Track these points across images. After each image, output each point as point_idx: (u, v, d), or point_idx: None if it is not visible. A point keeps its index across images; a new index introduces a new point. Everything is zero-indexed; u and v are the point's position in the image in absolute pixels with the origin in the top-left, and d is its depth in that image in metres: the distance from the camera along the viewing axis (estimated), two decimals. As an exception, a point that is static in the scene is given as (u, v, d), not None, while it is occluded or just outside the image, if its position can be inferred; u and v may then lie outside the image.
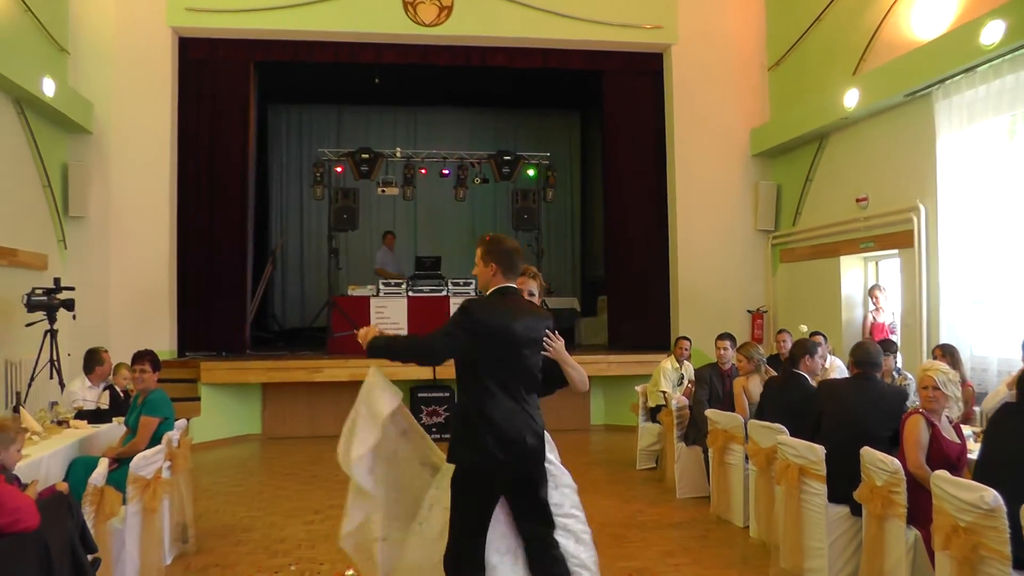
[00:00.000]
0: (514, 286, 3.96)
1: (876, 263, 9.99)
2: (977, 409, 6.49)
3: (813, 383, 6.19)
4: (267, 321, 14.89)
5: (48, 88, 8.98)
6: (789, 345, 7.56)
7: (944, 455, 4.55)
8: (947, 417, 4.83)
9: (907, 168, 8.67)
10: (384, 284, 11.87)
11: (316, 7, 10.93)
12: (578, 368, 4.13)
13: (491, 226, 16.43)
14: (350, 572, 5.40)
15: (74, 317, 8.65)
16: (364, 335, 3.94)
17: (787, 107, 11.20)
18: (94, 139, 10.51)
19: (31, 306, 8.10)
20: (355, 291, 11.89)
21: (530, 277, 4.21)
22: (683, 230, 11.70)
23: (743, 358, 7.06)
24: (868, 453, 4.71)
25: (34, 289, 8.21)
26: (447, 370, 4.01)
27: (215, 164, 11.24)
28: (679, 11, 11.65)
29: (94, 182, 10.41)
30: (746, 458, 6.39)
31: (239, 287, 11.34)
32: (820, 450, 5.08)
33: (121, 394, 7.11)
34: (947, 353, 6.60)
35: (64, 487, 4.54)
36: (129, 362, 6.15)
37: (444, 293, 11.67)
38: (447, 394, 10.51)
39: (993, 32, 6.96)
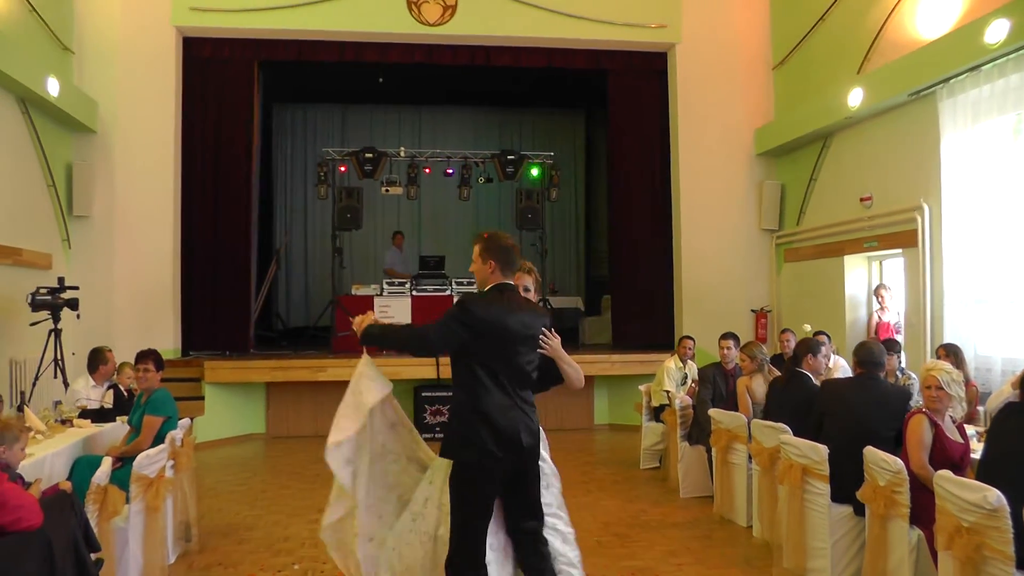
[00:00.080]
0: (511, 283, 3.96)
1: (880, 262, 9.97)
2: (981, 409, 6.48)
3: (817, 382, 6.17)
4: (271, 320, 14.90)
5: (52, 88, 9.00)
6: (793, 345, 7.55)
7: (947, 455, 4.54)
8: (951, 417, 4.83)
9: (911, 167, 8.65)
10: (388, 283, 11.89)
11: (320, 6, 10.94)
12: (575, 366, 4.12)
13: (495, 225, 16.41)
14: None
15: (78, 316, 8.68)
16: (360, 322, 3.91)
17: (791, 106, 11.19)
18: (98, 138, 10.53)
19: (35, 305, 8.12)
20: (359, 290, 11.94)
21: (525, 272, 4.20)
22: (687, 229, 11.69)
23: (746, 357, 7.05)
24: (871, 453, 4.70)
25: (38, 288, 8.23)
26: (451, 370, 3.99)
27: (219, 163, 11.26)
28: (683, 10, 11.64)
29: (98, 181, 10.44)
30: (749, 458, 6.39)
31: (243, 286, 11.35)
32: (823, 450, 5.08)
33: (125, 393, 7.13)
34: (951, 353, 6.58)
35: (67, 486, 4.55)
36: (133, 361, 6.16)
37: (448, 292, 11.69)
38: (451, 393, 10.49)
39: (997, 31, 6.94)
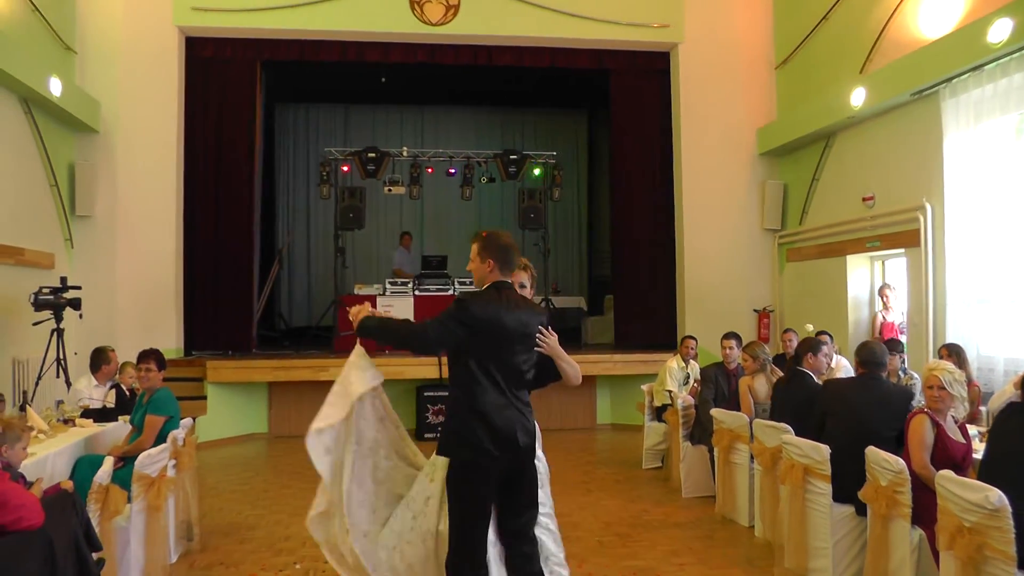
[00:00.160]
0: (509, 281, 3.95)
1: (882, 262, 9.96)
2: (983, 409, 6.46)
3: (819, 381, 6.18)
4: (273, 320, 14.90)
5: (55, 87, 9.01)
6: (795, 344, 7.55)
7: (949, 455, 4.54)
8: (953, 417, 4.82)
9: (914, 167, 8.64)
10: (391, 283, 11.91)
11: (323, 6, 10.94)
12: (572, 363, 4.11)
13: (498, 225, 16.35)
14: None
15: (81, 316, 8.69)
16: (356, 313, 3.87)
17: (794, 106, 11.18)
18: (101, 138, 10.55)
19: (38, 305, 8.13)
20: (362, 290, 11.95)
21: (521, 269, 4.19)
22: (689, 229, 11.68)
23: (749, 357, 7.05)
24: (873, 453, 4.70)
25: (41, 288, 8.24)
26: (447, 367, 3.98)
27: (222, 163, 11.26)
28: (686, 10, 11.64)
29: (101, 181, 10.45)
30: (751, 457, 6.38)
31: (245, 286, 11.36)
32: (825, 450, 5.07)
33: (127, 393, 7.13)
34: (953, 353, 6.57)
35: (69, 485, 4.55)
36: (135, 361, 6.16)
37: (450, 292, 11.72)
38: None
39: (1000, 30, 6.93)
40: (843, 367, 7.74)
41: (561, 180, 13.71)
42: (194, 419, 6.86)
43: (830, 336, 7.77)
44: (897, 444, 4.91)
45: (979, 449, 4.74)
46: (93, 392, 7.10)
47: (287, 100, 16.20)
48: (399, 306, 11.50)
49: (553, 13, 11.28)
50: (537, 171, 13.70)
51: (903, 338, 8.78)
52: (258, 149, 11.72)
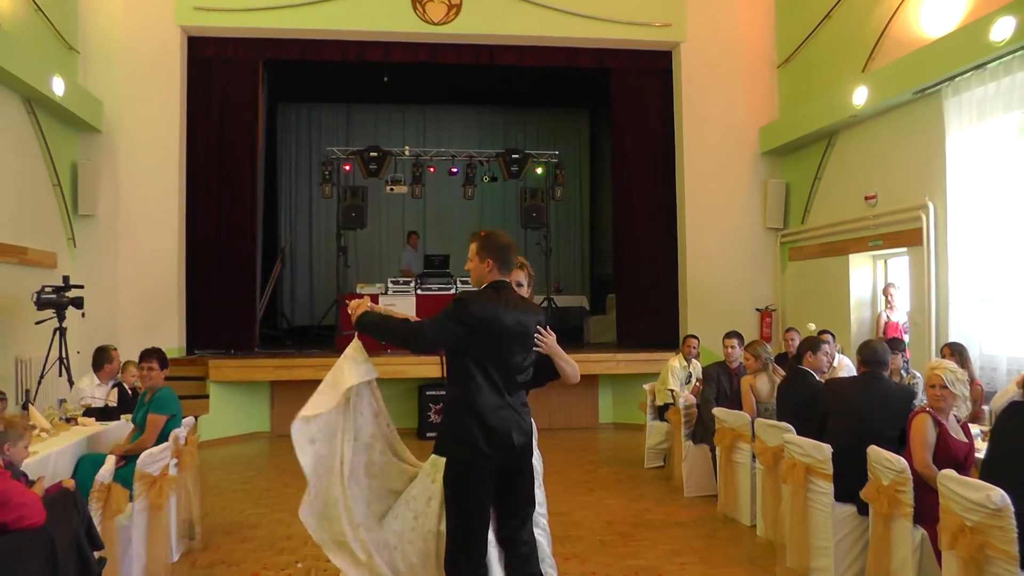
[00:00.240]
0: (507, 281, 3.95)
1: (885, 261, 9.95)
2: (986, 408, 6.45)
3: (820, 379, 6.18)
4: (276, 319, 14.90)
5: (58, 87, 9.02)
6: (797, 343, 7.55)
7: (951, 454, 4.53)
8: (955, 416, 4.81)
9: (916, 166, 8.62)
10: (393, 282, 11.92)
11: (325, 6, 10.95)
12: (570, 362, 4.12)
13: (500, 224, 16.44)
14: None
15: (83, 315, 8.70)
16: (355, 307, 3.87)
17: (796, 105, 11.17)
18: (103, 138, 10.55)
19: (40, 304, 8.14)
20: (364, 289, 11.95)
21: (518, 267, 4.19)
22: (692, 228, 11.67)
23: (751, 356, 7.04)
24: (875, 452, 4.69)
25: (43, 287, 8.25)
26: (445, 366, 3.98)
27: (224, 162, 11.26)
28: (688, 9, 11.63)
29: (103, 180, 10.46)
30: (753, 457, 6.37)
31: (248, 285, 11.37)
32: (827, 449, 5.07)
33: (129, 392, 7.13)
34: (956, 352, 6.56)
35: (71, 484, 4.55)
36: (137, 360, 6.17)
37: (453, 291, 11.71)
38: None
39: (1003, 29, 6.92)
40: (845, 366, 7.74)
41: (563, 179, 13.69)
42: (196, 418, 6.86)
43: (832, 335, 7.76)
44: (899, 443, 4.90)
45: (981, 448, 4.74)
46: (95, 391, 7.11)
47: (289, 99, 16.20)
48: (401, 305, 11.48)
49: (555, 12, 11.28)
50: (539, 170, 13.70)
51: (906, 337, 8.77)
52: (260, 148, 11.72)
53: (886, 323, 9.17)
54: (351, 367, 3.91)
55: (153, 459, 5.20)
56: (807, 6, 10.85)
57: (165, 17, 10.75)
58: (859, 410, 5.21)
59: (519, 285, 4.15)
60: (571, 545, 6.12)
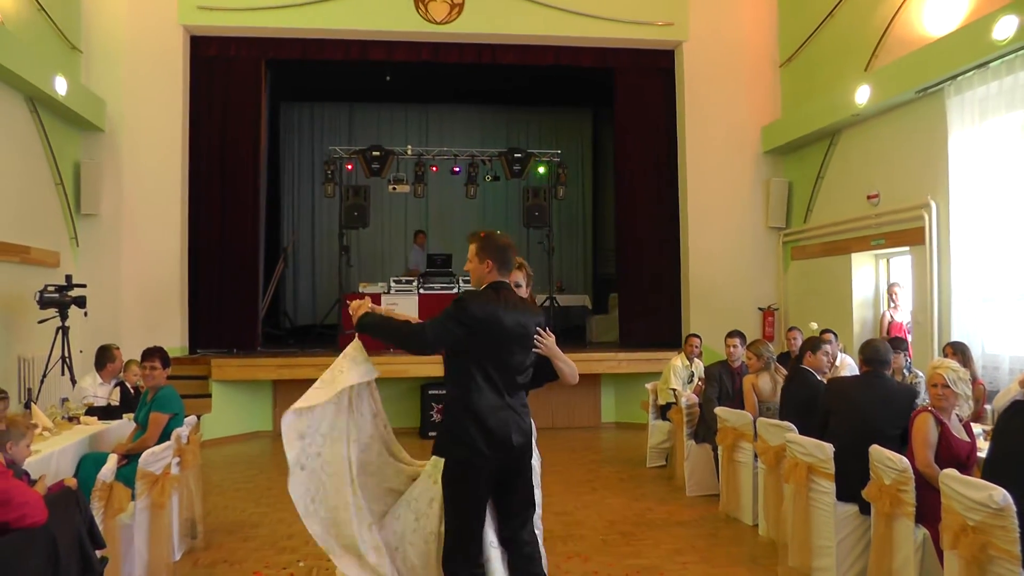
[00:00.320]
0: (507, 282, 3.95)
1: (887, 260, 9.94)
2: (988, 407, 6.45)
3: (820, 379, 6.18)
4: (278, 318, 14.93)
5: (60, 87, 9.03)
6: (800, 343, 7.54)
7: (953, 453, 4.53)
8: (957, 415, 4.81)
9: (919, 165, 8.61)
10: (395, 281, 11.92)
11: (327, 5, 10.95)
12: (569, 363, 4.13)
13: (502, 223, 16.46)
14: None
15: (86, 314, 8.72)
16: (355, 308, 3.87)
17: (798, 104, 11.15)
18: (106, 137, 10.56)
19: (43, 303, 8.16)
20: (366, 288, 11.95)
21: (516, 268, 4.19)
22: (694, 227, 11.67)
23: (753, 356, 7.03)
24: (877, 451, 4.69)
25: (46, 286, 8.28)
26: (444, 366, 3.98)
27: (227, 162, 11.27)
28: (690, 8, 11.62)
29: (106, 180, 10.47)
30: (755, 456, 6.37)
31: (250, 284, 11.38)
32: (828, 448, 5.06)
33: (131, 391, 7.15)
34: (958, 351, 6.56)
35: (73, 482, 4.57)
36: (139, 359, 6.17)
37: (455, 290, 11.72)
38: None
39: (1006, 28, 6.91)
40: (848, 365, 7.73)
41: (565, 178, 13.67)
42: (198, 417, 6.87)
43: (835, 334, 7.75)
44: (901, 442, 4.89)
45: (983, 448, 4.73)
46: (98, 390, 7.12)
47: (292, 99, 16.22)
48: (403, 305, 11.51)
49: (557, 11, 11.27)
50: (541, 169, 13.69)
51: (910, 337, 8.77)
52: (263, 148, 11.73)
53: (890, 322, 9.17)
54: (351, 366, 3.91)
55: (155, 458, 5.21)
56: (809, 5, 10.84)
57: (168, 16, 10.76)
58: (861, 409, 5.20)
59: (517, 286, 4.15)
60: (573, 544, 6.12)
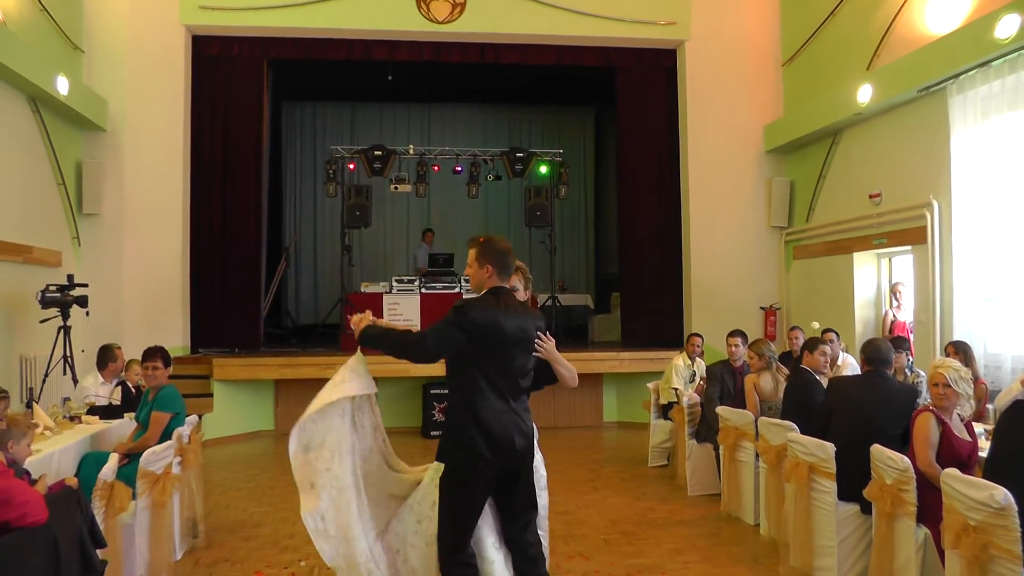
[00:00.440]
0: (506, 286, 3.96)
1: (889, 260, 9.92)
2: (990, 407, 6.44)
3: (819, 378, 6.19)
4: (280, 318, 14.93)
5: (62, 86, 9.04)
6: (802, 342, 7.54)
7: (954, 453, 4.52)
8: (959, 415, 4.80)
9: (921, 164, 8.60)
10: (397, 280, 11.91)
11: (329, 5, 10.95)
12: (569, 367, 4.15)
13: (504, 223, 16.46)
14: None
15: (87, 314, 8.74)
16: (357, 321, 3.90)
17: (801, 103, 11.14)
18: (108, 137, 10.57)
19: (45, 302, 8.17)
20: (368, 288, 11.95)
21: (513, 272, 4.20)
22: (696, 227, 11.66)
23: (754, 355, 7.03)
24: (878, 451, 4.68)
25: (48, 286, 8.29)
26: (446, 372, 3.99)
27: (228, 161, 11.28)
28: (692, 7, 11.61)
29: (108, 179, 10.48)
30: (757, 455, 6.36)
31: (252, 284, 11.38)
32: (830, 448, 5.05)
33: (133, 390, 7.15)
34: (960, 350, 6.55)
35: (74, 482, 4.57)
36: (140, 359, 6.17)
37: (457, 290, 11.71)
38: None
39: (1008, 26, 6.90)
40: (849, 365, 7.71)
41: (567, 178, 13.65)
42: (200, 416, 6.88)
43: (836, 334, 7.74)
44: (903, 442, 4.89)
45: (985, 447, 4.72)
46: (99, 389, 7.13)
47: (294, 98, 16.22)
48: (405, 304, 11.51)
49: (559, 11, 11.27)
50: (543, 169, 13.68)
51: (912, 336, 8.75)
52: (265, 147, 11.72)
53: (892, 322, 9.16)
54: (352, 377, 3.95)
55: (156, 457, 5.22)
56: (812, 4, 10.83)
57: (170, 16, 10.77)
58: (863, 409, 5.20)
59: (514, 289, 4.16)
60: (575, 544, 6.12)
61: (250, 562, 5.73)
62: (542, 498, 4.22)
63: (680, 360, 8.83)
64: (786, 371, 7.03)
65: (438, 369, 10.25)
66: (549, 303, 12.55)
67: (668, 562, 5.71)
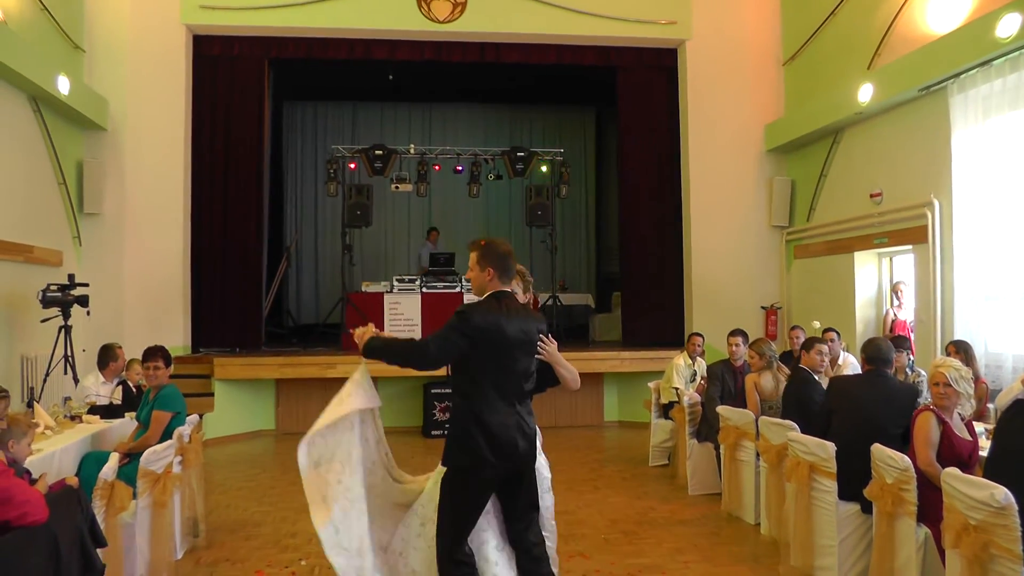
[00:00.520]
0: (508, 290, 3.97)
1: (890, 259, 9.92)
2: (991, 406, 6.42)
3: (817, 378, 6.19)
4: (281, 317, 14.94)
5: (63, 86, 9.04)
6: (802, 342, 7.53)
7: (955, 452, 4.52)
8: (959, 414, 4.79)
9: (922, 163, 8.60)
10: (398, 280, 11.90)
11: (330, 4, 10.96)
12: (571, 369, 4.17)
13: (505, 222, 16.47)
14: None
15: (88, 313, 8.74)
16: (360, 335, 3.92)
17: (802, 102, 11.13)
18: (109, 136, 10.57)
19: (46, 302, 8.17)
20: (369, 287, 11.96)
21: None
22: (697, 226, 11.66)
23: (755, 354, 7.02)
24: (878, 450, 4.68)
25: (49, 285, 8.29)
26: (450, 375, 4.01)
27: (229, 161, 11.28)
28: (693, 6, 11.60)
29: (109, 179, 10.48)
30: (757, 455, 6.36)
31: (253, 283, 11.38)
32: (830, 447, 5.05)
33: (134, 389, 7.16)
34: (961, 350, 6.53)
35: (74, 481, 4.57)
36: (141, 358, 6.18)
37: (458, 290, 11.70)
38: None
39: (1009, 25, 6.89)
40: (850, 364, 7.70)
41: (568, 177, 13.64)
42: (201, 416, 6.88)
43: (837, 333, 7.73)
44: (903, 441, 4.89)
45: (985, 446, 4.71)
46: (100, 389, 7.14)
47: (295, 98, 16.22)
48: (406, 304, 11.50)
49: (560, 10, 11.27)
50: (544, 168, 13.68)
51: (913, 336, 8.75)
52: (266, 147, 11.73)
53: (893, 321, 9.16)
54: (357, 391, 3.98)
55: (157, 456, 5.22)
56: (813, 3, 10.82)
57: (171, 16, 10.77)
58: (863, 408, 5.20)
59: (513, 293, 4.16)
60: (575, 543, 6.12)
61: (251, 561, 5.73)
62: (548, 500, 4.23)
63: (681, 359, 8.83)
64: (787, 370, 7.02)
65: (440, 369, 10.19)
66: (550, 302, 12.55)
67: (669, 561, 5.72)
